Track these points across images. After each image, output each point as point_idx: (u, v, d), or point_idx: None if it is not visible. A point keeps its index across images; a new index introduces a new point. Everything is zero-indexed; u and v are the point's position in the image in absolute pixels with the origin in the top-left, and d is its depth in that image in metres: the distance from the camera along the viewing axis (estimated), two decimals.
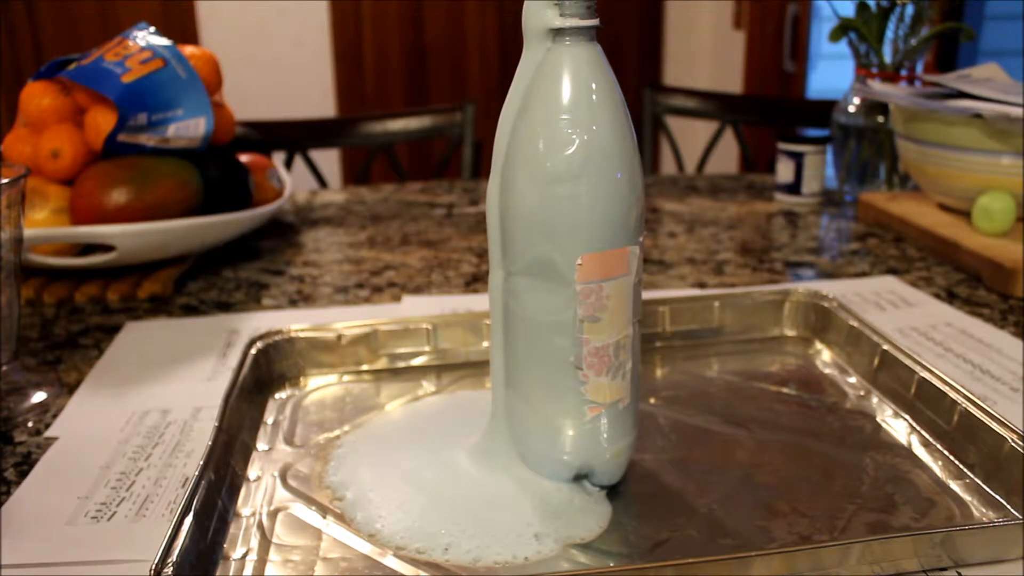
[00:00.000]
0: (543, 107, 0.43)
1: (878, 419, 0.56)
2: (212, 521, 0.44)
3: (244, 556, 0.44)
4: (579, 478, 0.48)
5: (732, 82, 2.52)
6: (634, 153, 0.44)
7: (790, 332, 0.69)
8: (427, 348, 0.65)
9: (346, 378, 0.64)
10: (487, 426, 0.51)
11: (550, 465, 0.48)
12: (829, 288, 0.79)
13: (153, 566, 0.38)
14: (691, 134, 2.27)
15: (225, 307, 0.79)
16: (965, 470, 0.49)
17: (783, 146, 1.11)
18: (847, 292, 0.79)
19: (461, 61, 2.73)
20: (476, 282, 0.85)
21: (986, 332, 0.70)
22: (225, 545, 0.44)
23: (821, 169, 1.11)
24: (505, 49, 2.73)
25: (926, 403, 0.54)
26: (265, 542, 0.45)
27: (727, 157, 2.17)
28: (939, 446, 0.52)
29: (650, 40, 2.85)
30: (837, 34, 1.11)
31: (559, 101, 0.42)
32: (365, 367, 0.65)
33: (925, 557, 0.41)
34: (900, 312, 0.75)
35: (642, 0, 2.80)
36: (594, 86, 0.43)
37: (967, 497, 0.47)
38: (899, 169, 1.11)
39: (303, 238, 1.02)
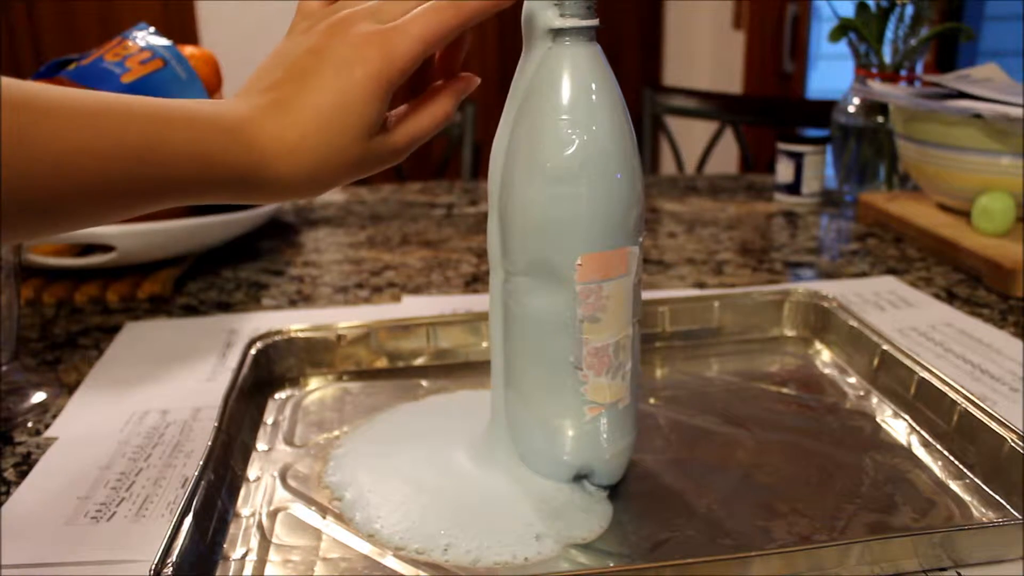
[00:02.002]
0: (543, 107, 0.43)
1: (878, 419, 0.56)
2: (212, 521, 0.44)
3: (244, 556, 0.44)
4: (579, 478, 0.48)
5: (732, 82, 2.52)
6: (634, 153, 0.44)
7: (790, 332, 0.69)
8: (427, 348, 0.65)
9: (346, 378, 0.64)
10: (487, 426, 0.51)
11: (550, 465, 0.48)
12: (829, 288, 0.79)
13: (153, 566, 0.38)
14: (691, 134, 2.27)
15: (225, 307, 0.79)
16: (965, 470, 0.49)
17: (783, 146, 1.11)
18: (847, 292, 0.79)
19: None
20: (476, 282, 0.85)
21: (986, 332, 0.70)
22: (225, 545, 0.44)
23: (821, 169, 1.11)
24: (505, 49, 2.73)
25: (926, 403, 0.54)
26: (265, 542, 0.45)
27: (727, 157, 2.17)
28: (939, 446, 0.52)
29: (650, 40, 2.85)
30: (837, 34, 1.11)
31: (559, 101, 0.42)
32: (365, 367, 0.65)
33: (925, 557, 0.41)
34: (900, 312, 0.75)
35: (642, 0, 2.80)
36: (594, 86, 0.43)
37: (967, 497, 0.47)
38: (899, 169, 1.11)
39: (303, 238, 1.02)
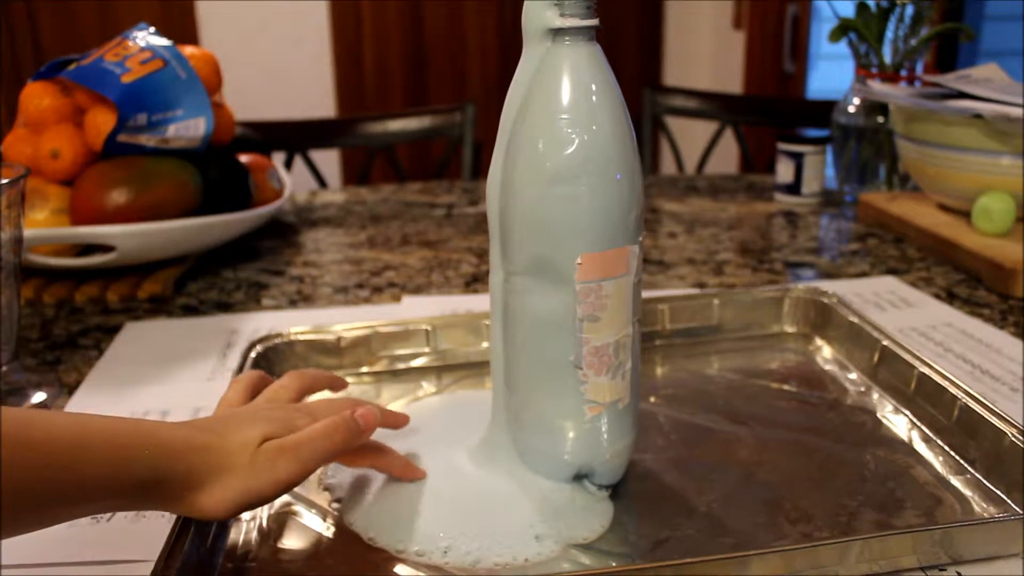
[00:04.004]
0: (543, 107, 0.43)
1: (878, 415, 0.56)
2: (212, 524, 0.44)
3: (244, 557, 0.44)
4: (579, 478, 0.48)
5: (732, 82, 2.51)
6: (634, 153, 0.44)
7: (790, 329, 0.69)
8: (427, 349, 0.65)
9: (346, 379, 0.64)
10: (487, 426, 0.51)
11: (550, 465, 0.48)
12: (829, 288, 0.79)
13: (154, 570, 0.38)
14: (691, 134, 2.27)
15: (225, 307, 0.79)
16: (966, 465, 0.50)
17: (783, 146, 1.11)
18: (847, 292, 0.79)
19: (461, 61, 2.73)
20: (476, 282, 0.85)
21: (986, 332, 0.70)
22: (226, 548, 0.44)
23: (821, 169, 1.11)
24: (505, 49, 2.72)
25: (926, 399, 0.55)
26: (265, 543, 0.45)
27: (727, 157, 2.17)
28: (940, 442, 0.52)
29: (650, 40, 2.85)
30: (837, 34, 1.11)
31: (559, 101, 0.42)
32: (365, 369, 0.64)
33: (925, 554, 0.41)
34: (900, 312, 0.75)
35: (642, 0, 2.80)
36: (594, 86, 0.43)
37: (968, 492, 0.47)
38: (899, 169, 1.11)
39: (303, 238, 1.02)
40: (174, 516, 0.42)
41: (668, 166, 2.64)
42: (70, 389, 0.63)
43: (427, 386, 0.62)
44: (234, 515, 0.41)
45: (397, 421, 0.52)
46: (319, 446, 0.43)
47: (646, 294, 0.73)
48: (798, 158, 1.10)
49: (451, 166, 1.54)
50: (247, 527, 0.46)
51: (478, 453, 0.51)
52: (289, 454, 0.42)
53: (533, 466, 0.49)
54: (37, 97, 0.85)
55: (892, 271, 0.86)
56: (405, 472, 0.49)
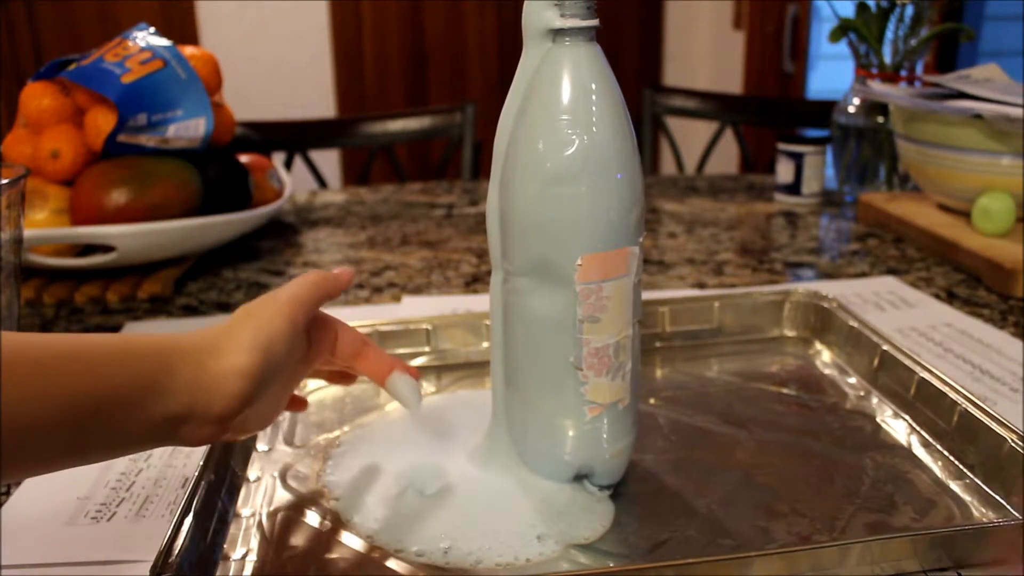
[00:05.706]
0: (543, 107, 0.43)
1: (878, 419, 0.56)
2: (212, 521, 0.44)
3: (244, 556, 0.44)
4: (580, 478, 0.48)
5: (732, 82, 2.51)
6: (634, 153, 0.44)
7: (790, 332, 0.69)
8: (427, 349, 0.65)
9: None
10: (487, 426, 0.51)
11: (550, 465, 0.48)
12: (829, 288, 0.79)
13: (153, 567, 0.38)
14: (691, 134, 2.27)
15: (225, 307, 0.79)
16: (965, 470, 0.49)
17: (783, 146, 1.11)
18: (847, 292, 0.79)
19: (461, 61, 2.73)
20: (476, 282, 0.85)
21: (986, 332, 0.70)
22: (225, 545, 0.44)
23: (821, 169, 1.11)
24: (505, 49, 2.72)
25: (926, 403, 0.54)
26: (265, 542, 0.45)
27: (727, 157, 2.17)
28: (939, 446, 0.52)
29: (650, 40, 2.85)
30: (837, 34, 1.11)
31: (559, 101, 0.42)
32: None
33: (925, 557, 0.41)
34: (900, 312, 0.75)
35: (642, 0, 2.80)
36: (594, 86, 0.43)
37: (967, 497, 0.47)
38: (899, 169, 1.11)
39: (303, 238, 1.02)
40: (173, 516, 0.42)
41: (668, 166, 2.63)
42: None
43: (427, 386, 0.62)
44: (262, 361, 0.40)
45: (338, 279, 0.51)
46: (302, 282, 0.46)
47: (646, 295, 0.73)
48: (798, 158, 1.10)
49: (451, 166, 1.54)
50: (246, 523, 0.46)
51: (478, 453, 0.51)
52: (279, 296, 0.44)
53: (533, 466, 0.49)
54: (37, 97, 0.85)
55: (892, 271, 0.86)
56: (378, 372, 0.50)
